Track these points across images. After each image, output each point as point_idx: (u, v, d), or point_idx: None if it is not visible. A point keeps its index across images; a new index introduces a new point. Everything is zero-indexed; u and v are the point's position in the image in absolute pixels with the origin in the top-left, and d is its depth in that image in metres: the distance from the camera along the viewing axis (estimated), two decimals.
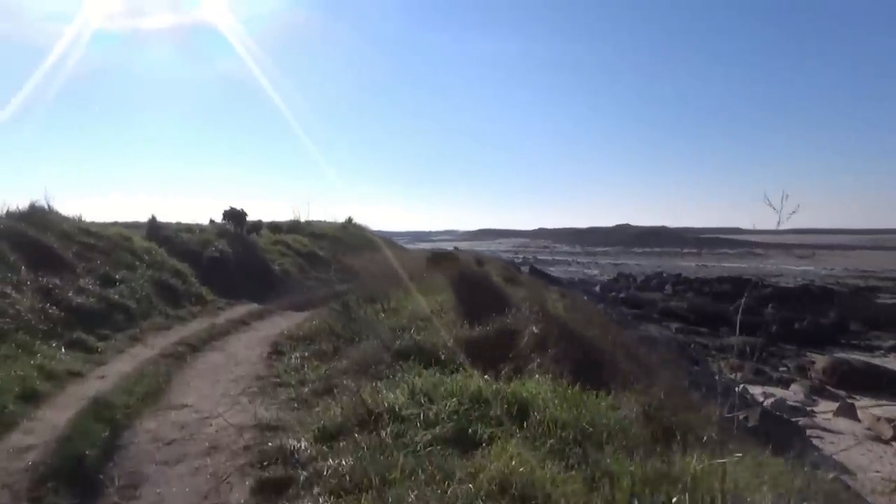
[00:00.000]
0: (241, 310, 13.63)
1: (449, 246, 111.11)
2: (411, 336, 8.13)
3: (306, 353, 8.84)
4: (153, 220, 16.60)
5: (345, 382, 6.82)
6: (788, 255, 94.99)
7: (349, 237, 29.07)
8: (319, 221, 30.97)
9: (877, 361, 31.57)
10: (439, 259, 19.68)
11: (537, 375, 6.98)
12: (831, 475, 12.73)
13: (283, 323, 12.57)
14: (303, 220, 29.50)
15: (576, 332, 7.60)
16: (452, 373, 6.76)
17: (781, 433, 14.35)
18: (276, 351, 9.31)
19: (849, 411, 19.83)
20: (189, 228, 17.95)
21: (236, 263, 16.71)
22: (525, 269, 43.37)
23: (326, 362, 8.13)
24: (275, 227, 23.51)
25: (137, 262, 13.38)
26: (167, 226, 17.15)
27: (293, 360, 8.63)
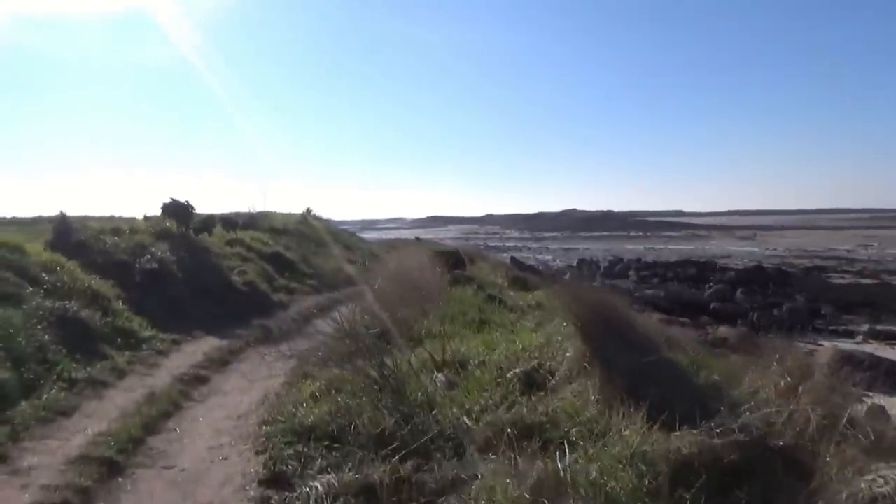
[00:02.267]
0: (194, 352, 8.87)
1: (399, 234, 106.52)
2: (579, 466, 3.74)
3: (335, 483, 4.36)
4: (62, 218, 11.43)
5: None
6: (730, 236, 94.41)
7: (313, 231, 24.28)
8: (276, 213, 26.03)
9: (863, 349, 29.54)
10: (449, 259, 15.25)
11: None
12: None
13: (261, 377, 7.95)
14: (257, 210, 24.59)
15: None
16: None
17: None
18: (274, 473, 4.74)
19: (882, 416, 16.92)
20: (116, 229, 12.86)
21: (183, 276, 11.86)
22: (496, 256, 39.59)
23: None
24: (228, 223, 18.60)
25: (30, 289, 8.34)
26: (83, 226, 12.00)
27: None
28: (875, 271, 59.14)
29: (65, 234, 11.00)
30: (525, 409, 4.93)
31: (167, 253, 12.26)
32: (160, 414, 6.20)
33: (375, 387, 5.81)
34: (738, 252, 78.82)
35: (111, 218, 16.65)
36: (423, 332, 8.27)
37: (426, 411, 5.11)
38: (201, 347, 9.12)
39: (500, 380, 5.77)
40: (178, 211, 14.12)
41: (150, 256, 11.65)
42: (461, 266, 15.22)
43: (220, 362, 8.48)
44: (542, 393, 5.40)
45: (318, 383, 6.61)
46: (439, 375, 6.12)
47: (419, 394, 5.47)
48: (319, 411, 5.69)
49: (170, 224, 14.08)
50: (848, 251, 75.31)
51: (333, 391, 6.16)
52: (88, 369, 7.10)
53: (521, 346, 6.58)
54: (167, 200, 14.40)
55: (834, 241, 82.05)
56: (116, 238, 12.19)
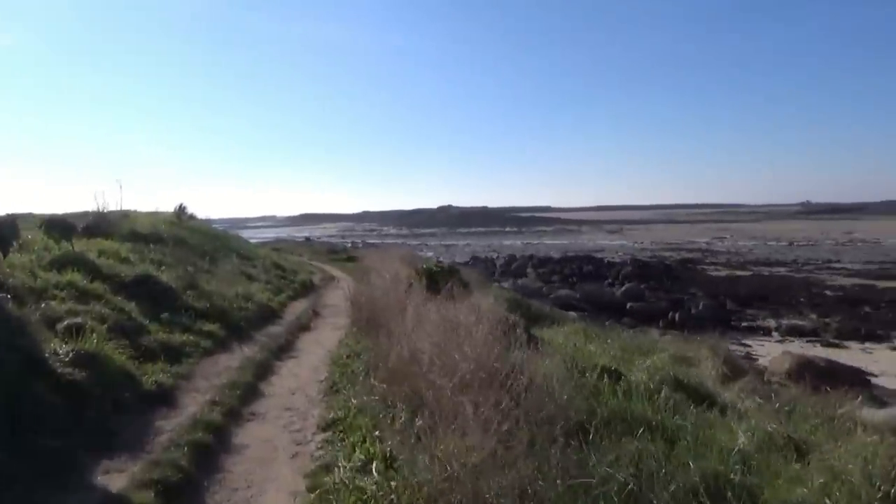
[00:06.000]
0: None
1: (273, 234, 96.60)
2: None
3: None
4: None
5: None
6: (599, 230, 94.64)
7: (194, 237, 16.73)
8: (140, 213, 18.04)
9: (789, 347, 27.17)
10: (438, 278, 8.82)
11: None
12: None
13: None
14: (111, 209, 16.53)
15: None
16: None
17: None
18: None
19: None
20: None
21: None
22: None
23: None
24: (57, 227, 10.90)
25: None
26: None
27: None
28: (741, 262, 59.85)
29: None
30: None
31: None
32: None
33: None
34: (609, 246, 78.32)
35: None
36: None
37: None
38: None
39: None
40: None
41: None
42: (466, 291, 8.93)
43: None
44: None
45: None
46: None
47: None
48: None
49: None
50: (707, 243, 77.12)
51: None
52: None
53: None
54: None
55: (692, 235, 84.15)
56: None
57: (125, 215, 16.27)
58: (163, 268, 11.07)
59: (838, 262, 55.78)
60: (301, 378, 7.37)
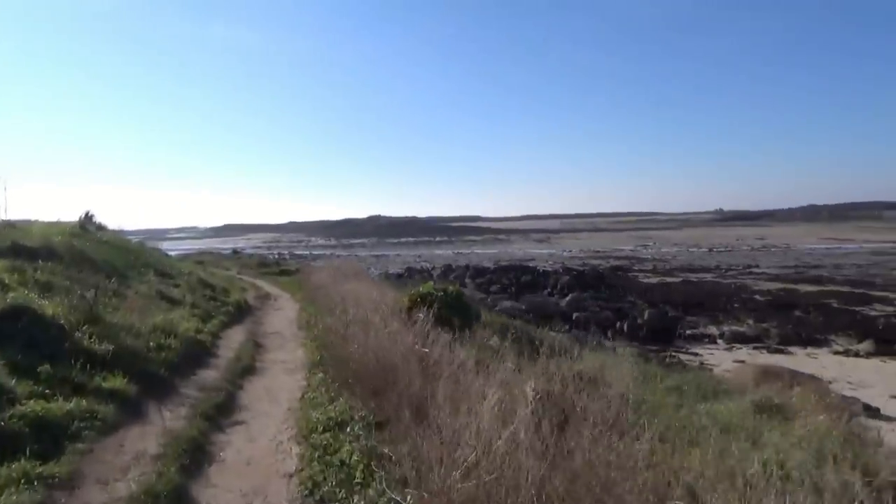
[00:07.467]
0: None
1: (194, 245, 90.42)
2: None
3: None
4: None
5: None
6: (527, 239, 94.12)
7: (100, 251, 13.47)
8: (33, 222, 14.58)
9: (738, 355, 26.58)
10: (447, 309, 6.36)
11: None
12: None
13: None
14: None
15: None
16: None
17: None
18: None
19: None
20: None
21: None
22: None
23: None
24: None
25: None
26: None
27: None
28: (668, 269, 60.43)
29: None
30: None
31: None
32: None
33: None
34: (539, 254, 77.94)
35: None
36: None
37: None
38: None
39: None
40: None
41: None
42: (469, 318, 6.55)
43: None
44: None
45: None
46: None
47: None
48: None
49: None
50: (632, 250, 78.06)
51: None
52: None
53: None
54: None
55: (617, 242, 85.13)
56: None
57: (10, 225, 12.88)
58: (51, 293, 8.06)
59: (757, 266, 57.05)
60: (259, 468, 4.74)
